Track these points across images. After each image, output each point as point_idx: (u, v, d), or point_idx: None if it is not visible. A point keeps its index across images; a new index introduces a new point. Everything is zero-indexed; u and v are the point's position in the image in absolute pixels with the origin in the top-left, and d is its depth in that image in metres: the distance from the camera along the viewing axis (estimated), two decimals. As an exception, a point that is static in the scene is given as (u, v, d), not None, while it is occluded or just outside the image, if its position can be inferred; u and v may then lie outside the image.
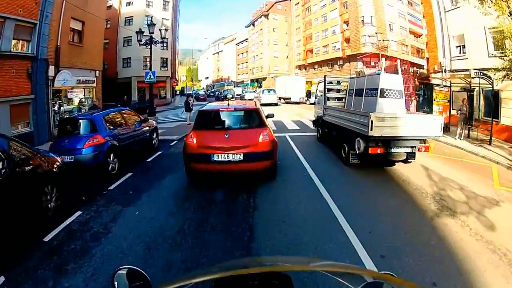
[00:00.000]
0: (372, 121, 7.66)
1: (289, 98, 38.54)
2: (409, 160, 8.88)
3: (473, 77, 12.47)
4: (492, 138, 12.28)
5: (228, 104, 7.97)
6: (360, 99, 9.99)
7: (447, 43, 17.53)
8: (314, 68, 53.78)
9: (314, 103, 16.66)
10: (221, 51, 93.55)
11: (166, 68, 41.88)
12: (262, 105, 20.25)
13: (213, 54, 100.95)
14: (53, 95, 15.73)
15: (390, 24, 40.45)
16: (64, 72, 15.86)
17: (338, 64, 47.15)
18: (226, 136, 7.05)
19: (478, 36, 14.81)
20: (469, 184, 7.42)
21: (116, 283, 1.41)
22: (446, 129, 14.59)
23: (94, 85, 19.28)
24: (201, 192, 6.91)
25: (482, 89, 13.72)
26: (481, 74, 12.12)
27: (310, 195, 6.65)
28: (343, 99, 12.09)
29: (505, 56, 10.19)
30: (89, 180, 7.92)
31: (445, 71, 17.62)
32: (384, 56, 40.38)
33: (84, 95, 18.42)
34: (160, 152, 11.21)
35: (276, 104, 34.60)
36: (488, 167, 9.29)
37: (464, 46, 16.43)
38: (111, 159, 8.52)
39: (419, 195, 6.68)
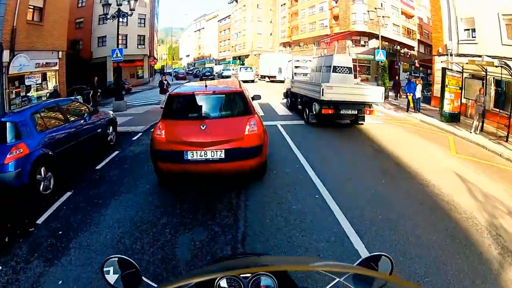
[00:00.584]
0: (323, 89, 10.59)
1: (274, 77, 36.86)
2: (359, 122, 11.86)
3: (496, 66, 11.15)
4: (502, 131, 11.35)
5: (206, 86, 6.40)
6: (319, 74, 13.19)
7: (454, 25, 16.23)
8: (300, 46, 52.56)
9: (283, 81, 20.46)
10: (203, 28, 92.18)
11: (143, 46, 39.96)
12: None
13: (195, 31, 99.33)
14: (9, 83, 13.66)
15: (381, 3, 38.78)
16: (21, 56, 14.00)
17: (325, 42, 45.56)
18: (203, 128, 5.63)
19: (490, 21, 13.73)
20: (507, 198, 6.18)
21: (107, 270, 1.43)
22: (457, 118, 13.68)
23: (57, 67, 17.18)
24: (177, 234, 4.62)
25: (493, 78, 12.80)
26: (504, 63, 11.00)
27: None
28: (308, 74, 15.21)
29: None
30: (11, 208, 5.66)
31: (451, 55, 16.39)
32: (375, 36, 39.23)
33: (47, 80, 16.19)
34: (116, 153, 8.79)
35: (252, 81, 36.78)
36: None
37: (474, 30, 15.21)
38: (43, 174, 6.11)
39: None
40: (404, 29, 40.74)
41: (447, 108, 13.45)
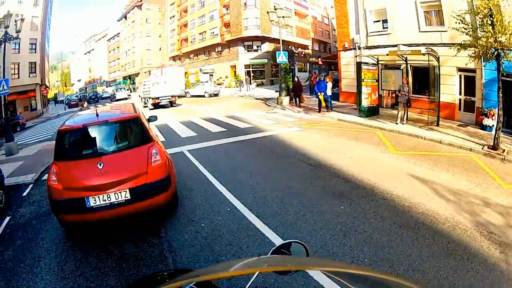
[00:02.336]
0: (150, 91, 24.99)
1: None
2: (172, 105, 24.97)
3: (423, 54, 11.02)
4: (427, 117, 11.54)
5: (97, 115, 5.66)
6: (156, 85, 25.19)
7: (362, 18, 16.41)
8: (190, 58, 51.95)
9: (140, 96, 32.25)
10: (93, 49, 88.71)
11: (34, 75, 35.58)
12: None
13: (85, 53, 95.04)
14: None
15: (274, 6, 39.51)
16: None
17: (217, 51, 45.74)
18: (100, 167, 4.87)
19: (405, 10, 14.06)
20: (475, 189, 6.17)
21: None
22: (377, 111, 13.62)
23: None
24: None
25: (410, 65, 13.06)
26: (430, 49, 11.17)
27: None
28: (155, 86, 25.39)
29: (467, 32, 8.64)
30: None
31: (359, 48, 16.51)
32: (268, 39, 39.62)
33: None
34: (6, 221, 6.46)
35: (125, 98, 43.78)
36: (467, 158, 8.17)
37: (385, 21, 15.44)
38: None
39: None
40: (298, 29, 42.07)
41: (365, 102, 13.17)
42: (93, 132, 5.38)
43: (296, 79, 18.98)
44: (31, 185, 8.71)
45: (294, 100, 18.77)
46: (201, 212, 5.66)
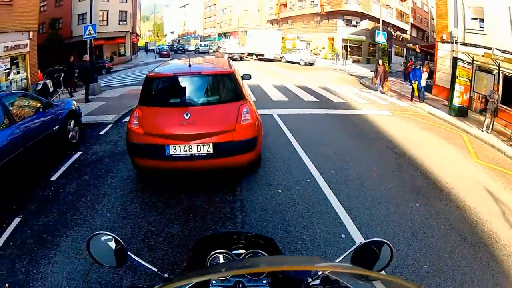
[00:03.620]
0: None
1: (263, 55, 36.19)
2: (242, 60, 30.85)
3: None
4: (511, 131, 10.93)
5: (190, 66, 5.53)
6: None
7: (461, 12, 15.50)
8: (288, 23, 51.38)
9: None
10: (188, 4, 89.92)
11: (125, 23, 38.46)
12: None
13: (179, 7, 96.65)
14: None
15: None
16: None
17: (315, 20, 44.92)
18: (187, 117, 4.89)
19: (501, 13, 13.14)
20: None
21: (93, 247, 1.46)
22: (466, 112, 13.24)
23: (27, 49, 15.69)
24: None
25: (502, 73, 12.39)
26: None
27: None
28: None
29: None
30: None
31: (456, 43, 15.76)
32: (368, 17, 38.68)
33: (17, 65, 14.92)
34: (78, 155, 7.08)
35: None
36: None
37: (482, 20, 14.55)
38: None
39: None
40: (397, 12, 40.14)
41: (456, 101, 12.90)
42: (184, 82, 5.36)
43: (380, 63, 18.11)
44: (110, 125, 9.26)
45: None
46: (280, 178, 5.87)
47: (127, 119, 7.93)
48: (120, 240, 1.47)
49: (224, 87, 5.52)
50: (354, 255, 1.46)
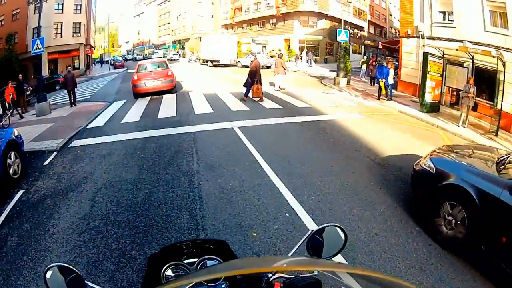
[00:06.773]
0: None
1: (218, 61, 35.04)
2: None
3: (493, 56, 10.18)
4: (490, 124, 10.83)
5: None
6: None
7: (428, 6, 15.34)
8: (242, 27, 51.33)
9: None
10: (142, 13, 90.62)
11: (79, 34, 36.61)
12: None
13: (134, 16, 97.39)
14: None
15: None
16: None
17: (271, 23, 44.67)
18: (152, 74, 16.04)
19: (471, 5, 13.02)
20: None
21: (50, 279, 1.37)
22: (437, 108, 12.89)
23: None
24: None
25: (474, 66, 12.16)
26: (499, 53, 10.38)
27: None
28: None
29: None
30: None
31: (422, 37, 15.59)
32: (325, 16, 38.74)
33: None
34: (20, 194, 5.97)
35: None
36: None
37: (450, 13, 14.36)
38: None
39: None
40: (354, 9, 40.63)
41: (428, 97, 12.44)
42: (149, 64, 17.12)
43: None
44: (55, 153, 8.17)
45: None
46: (253, 216, 4.91)
47: (74, 143, 8.78)
48: (76, 270, 1.35)
49: (162, 65, 17.03)
50: (308, 243, 1.47)
